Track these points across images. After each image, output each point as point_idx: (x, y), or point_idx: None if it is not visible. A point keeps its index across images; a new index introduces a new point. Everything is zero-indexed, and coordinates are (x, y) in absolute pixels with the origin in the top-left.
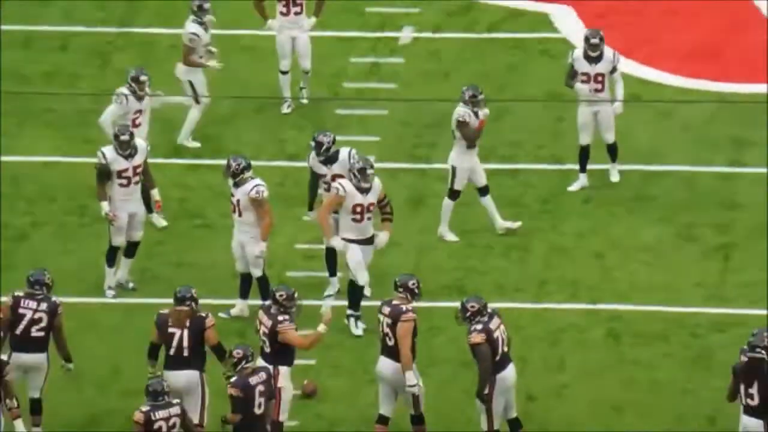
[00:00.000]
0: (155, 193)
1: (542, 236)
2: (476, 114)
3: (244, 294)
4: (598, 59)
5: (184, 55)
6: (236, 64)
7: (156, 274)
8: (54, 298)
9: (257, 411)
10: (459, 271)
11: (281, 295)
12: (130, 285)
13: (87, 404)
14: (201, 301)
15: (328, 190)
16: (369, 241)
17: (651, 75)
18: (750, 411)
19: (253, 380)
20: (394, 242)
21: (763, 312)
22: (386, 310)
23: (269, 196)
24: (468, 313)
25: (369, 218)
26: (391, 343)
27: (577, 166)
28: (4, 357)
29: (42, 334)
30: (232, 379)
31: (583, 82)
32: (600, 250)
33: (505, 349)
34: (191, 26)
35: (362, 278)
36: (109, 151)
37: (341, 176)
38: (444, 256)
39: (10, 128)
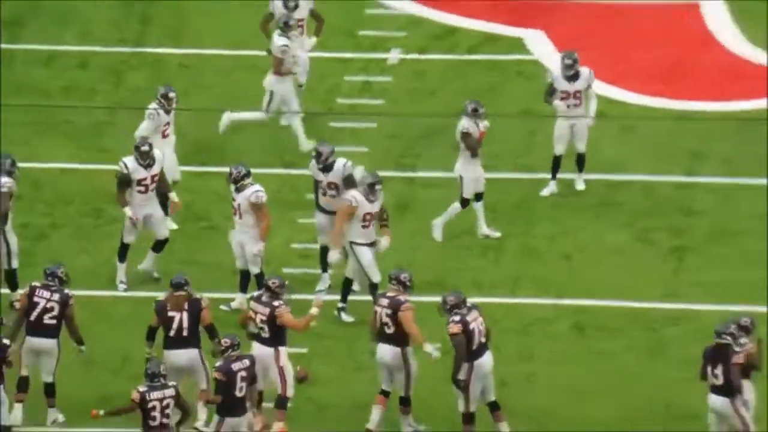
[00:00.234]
0: (173, 196)
1: (516, 239)
2: (477, 125)
3: (243, 289)
4: (574, 77)
5: (275, 66)
6: (242, 81)
7: (165, 270)
8: (66, 291)
9: (238, 394)
10: (441, 269)
11: (273, 283)
12: (155, 275)
13: (99, 387)
14: (205, 295)
15: (324, 194)
16: (373, 243)
17: (616, 94)
18: (716, 390)
19: (236, 366)
20: None
21: (714, 307)
22: (384, 302)
23: (267, 200)
24: (448, 306)
25: (372, 224)
26: (390, 331)
27: (547, 175)
28: (6, 341)
29: (53, 321)
30: (217, 364)
31: (562, 98)
32: (568, 251)
33: (483, 339)
34: (279, 39)
35: (376, 276)
36: (130, 161)
37: (336, 184)
38: (428, 256)
39: (32, 137)
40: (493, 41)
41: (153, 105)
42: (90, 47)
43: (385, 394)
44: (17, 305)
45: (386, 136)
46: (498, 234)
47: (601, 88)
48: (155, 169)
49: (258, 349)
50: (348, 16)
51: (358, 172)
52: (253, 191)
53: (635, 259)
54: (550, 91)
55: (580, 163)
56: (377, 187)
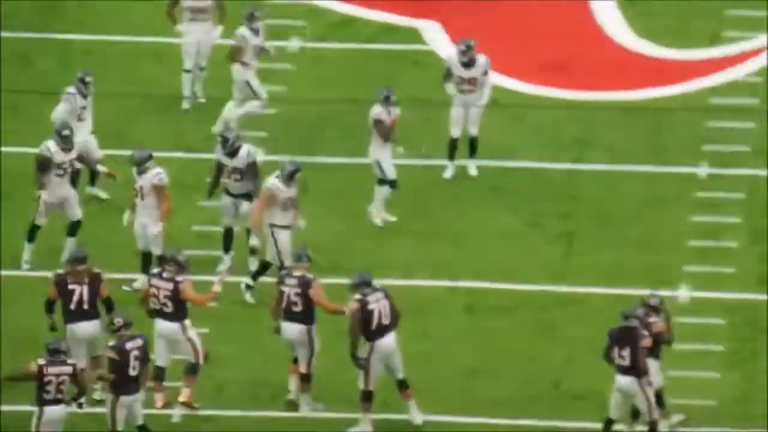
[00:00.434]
0: (102, 168)
1: (410, 223)
2: (389, 113)
3: (145, 269)
4: (469, 64)
5: (233, 55)
6: (143, 66)
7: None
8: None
9: (132, 373)
10: (338, 252)
11: (182, 257)
12: (26, 266)
13: (6, 365)
14: (107, 276)
15: (228, 178)
16: (290, 226)
17: (507, 83)
18: (622, 370)
19: (129, 345)
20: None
21: (601, 290)
22: (293, 281)
23: (169, 183)
24: (352, 285)
25: (291, 208)
26: (298, 309)
27: (443, 161)
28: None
29: None
30: (110, 343)
31: (458, 84)
32: (459, 234)
33: (385, 321)
34: (242, 30)
35: (288, 260)
36: (52, 145)
37: (240, 169)
38: (325, 239)
39: None
40: (391, 31)
41: (70, 89)
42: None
43: (296, 361)
44: None
45: (286, 122)
46: (393, 219)
47: (493, 77)
48: (73, 154)
49: (162, 325)
50: (250, 5)
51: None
52: (156, 173)
53: (525, 242)
54: (447, 76)
55: (473, 147)
56: (296, 175)
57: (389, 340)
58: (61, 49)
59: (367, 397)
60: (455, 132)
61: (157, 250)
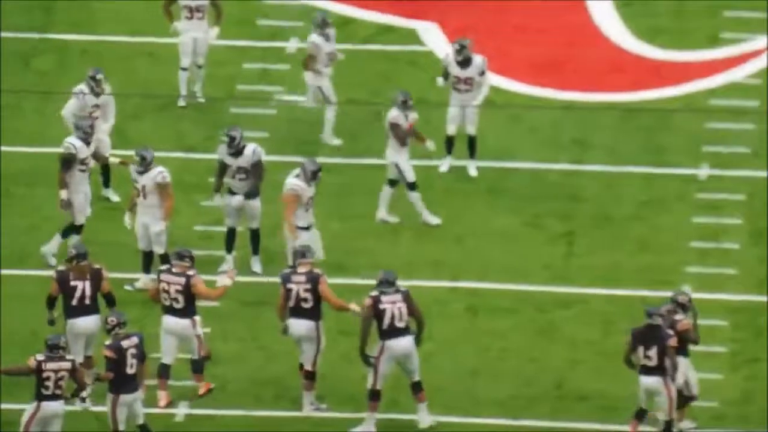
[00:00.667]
0: (114, 159)
1: (411, 223)
2: (406, 117)
3: (146, 269)
4: (465, 64)
5: (306, 62)
6: (141, 66)
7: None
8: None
9: (129, 371)
10: (339, 251)
11: (187, 253)
12: (52, 261)
13: (8, 362)
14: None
15: (233, 178)
16: (310, 227)
17: (504, 84)
18: (647, 371)
19: (125, 344)
20: (282, 226)
21: (601, 291)
22: (300, 278)
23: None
24: (376, 282)
25: (311, 208)
26: (308, 305)
27: (439, 162)
28: None
29: None
30: (107, 342)
31: (455, 83)
32: (460, 235)
33: (399, 324)
34: (313, 37)
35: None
36: (76, 141)
37: (245, 168)
38: (326, 239)
39: None
40: (388, 32)
41: (81, 86)
42: None
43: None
44: None
45: (286, 122)
46: (396, 219)
47: (491, 78)
48: (93, 148)
49: (172, 321)
50: (246, 6)
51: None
52: (158, 171)
53: (525, 243)
54: (444, 75)
55: (472, 146)
56: (319, 174)
57: (403, 343)
58: (58, 50)
59: (373, 395)
60: (450, 129)
61: (159, 249)
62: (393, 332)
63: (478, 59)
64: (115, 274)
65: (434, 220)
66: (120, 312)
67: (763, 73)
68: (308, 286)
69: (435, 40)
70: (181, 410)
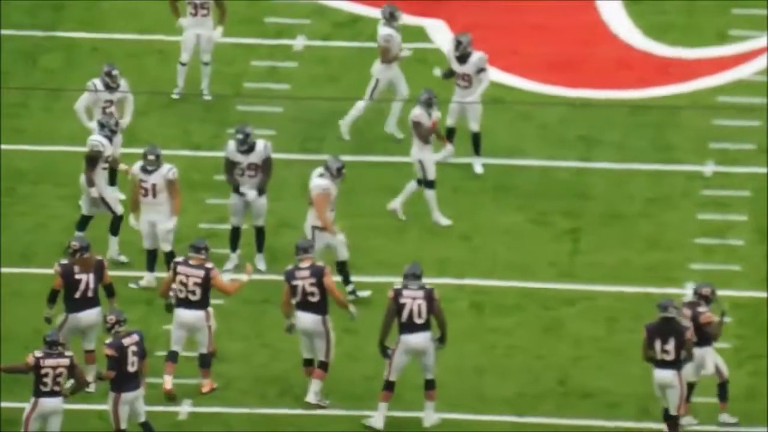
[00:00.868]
0: (123, 166)
1: (417, 220)
2: (429, 115)
3: (150, 268)
4: (462, 60)
5: (382, 55)
6: (149, 64)
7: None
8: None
9: (131, 369)
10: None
11: (203, 245)
12: (122, 258)
13: (10, 360)
14: (111, 273)
15: (242, 175)
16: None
17: (513, 81)
18: (663, 365)
19: (126, 341)
20: (287, 224)
21: (607, 288)
22: (305, 273)
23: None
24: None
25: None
26: (314, 299)
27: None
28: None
29: None
30: (107, 341)
31: (456, 78)
32: (466, 232)
33: (418, 320)
34: (383, 29)
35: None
36: (102, 139)
37: (256, 164)
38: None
39: None
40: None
41: (96, 80)
42: (4, 31)
43: (309, 363)
44: None
45: (292, 120)
46: (403, 217)
47: (498, 76)
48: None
49: (186, 313)
50: (254, 3)
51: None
52: (168, 168)
53: (532, 240)
54: (449, 71)
55: (476, 143)
56: (344, 170)
57: (419, 339)
58: (67, 48)
59: (386, 386)
60: (450, 121)
61: (167, 246)
62: (410, 327)
63: (475, 56)
64: (119, 273)
65: (444, 221)
66: (119, 310)
67: None
68: (313, 280)
69: (443, 38)
70: (185, 408)
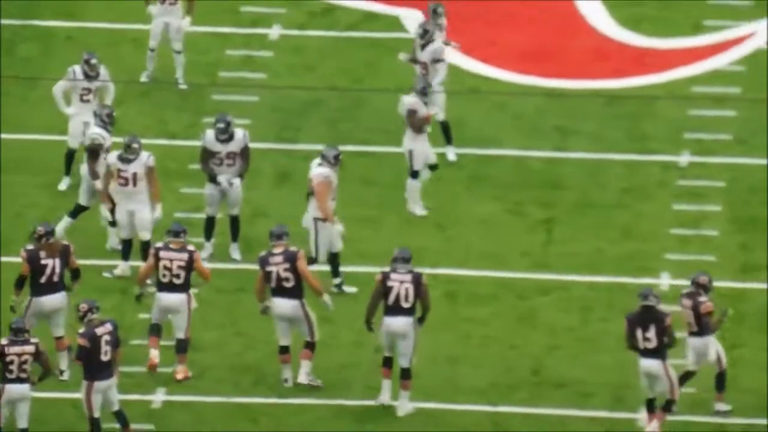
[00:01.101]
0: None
1: (393, 210)
2: (425, 104)
3: (125, 256)
4: (424, 48)
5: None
6: (125, 53)
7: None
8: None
9: (104, 358)
10: None
11: (181, 228)
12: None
13: None
14: (86, 262)
15: (219, 165)
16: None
17: (489, 72)
18: (648, 353)
19: (99, 330)
20: (262, 214)
21: (582, 278)
22: (278, 258)
23: None
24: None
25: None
26: (289, 285)
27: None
28: None
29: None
30: (80, 330)
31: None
32: (441, 222)
33: (404, 304)
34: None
35: (323, 255)
36: (102, 131)
37: (235, 153)
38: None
39: None
40: (372, 19)
41: (75, 66)
42: None
43: (286, 350)
44: None
45: (268, 109)
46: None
47: (475, 66)
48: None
49: (171, 297)
50: None
51: None
52: (147, 156)
53: (506, 230)
54: (411, 57)
55: (446, 131)
56: (340, 156)
57: (399, 323)
58: (43, 37)
59: (384, 362)
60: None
61: (147, 235)
62: (394, 310)
63: (433, 45)
64: (92, 261)
65: (420, 212)
66: (91, 299)
67: (745, 60)
68: (287, 265)
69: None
70: (159, 397)
